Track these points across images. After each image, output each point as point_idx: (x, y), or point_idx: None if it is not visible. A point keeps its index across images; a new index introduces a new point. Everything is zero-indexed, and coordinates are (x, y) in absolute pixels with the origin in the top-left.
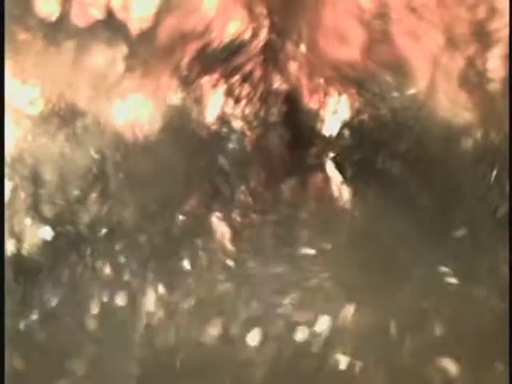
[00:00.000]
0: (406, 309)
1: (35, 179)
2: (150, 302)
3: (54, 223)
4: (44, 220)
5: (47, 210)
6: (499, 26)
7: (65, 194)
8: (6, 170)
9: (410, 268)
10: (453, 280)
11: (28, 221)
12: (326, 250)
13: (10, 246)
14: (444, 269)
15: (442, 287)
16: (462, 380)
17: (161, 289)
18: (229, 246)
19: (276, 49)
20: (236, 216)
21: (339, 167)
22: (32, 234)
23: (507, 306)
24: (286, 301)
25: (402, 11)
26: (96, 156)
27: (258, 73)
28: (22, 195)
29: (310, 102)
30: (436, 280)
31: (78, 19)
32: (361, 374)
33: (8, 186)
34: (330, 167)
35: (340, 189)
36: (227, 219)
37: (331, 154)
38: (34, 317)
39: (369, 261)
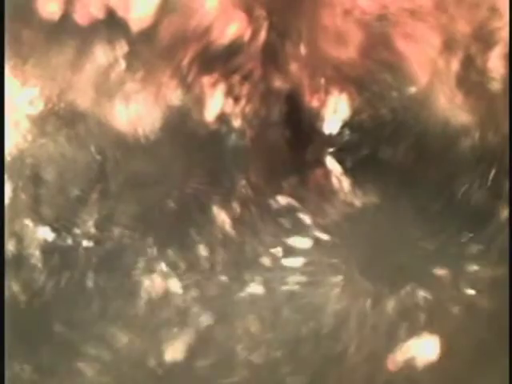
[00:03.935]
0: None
1: (35, 179)
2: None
3: (54, 224)
4: (45, 220)
5: (48, 211)
6: (499, 25)
7: (66, 195)
8: (6, 171)
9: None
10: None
11: (28, 221)
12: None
13: (10, 247)
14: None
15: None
16: None
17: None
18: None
19: (276, 49)
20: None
21: (339, 161)
22: (32, 235)
23: (508, 310)
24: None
25: (401, 12)
26: (97, 156)
27: (257, 72)
28: (22, 195)
29: (311, 101)
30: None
31: (80, 18)
32: None
33: (8, 186)
34: (330, 161)
35: (340, 180)
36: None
37: (330, 149)
38: None
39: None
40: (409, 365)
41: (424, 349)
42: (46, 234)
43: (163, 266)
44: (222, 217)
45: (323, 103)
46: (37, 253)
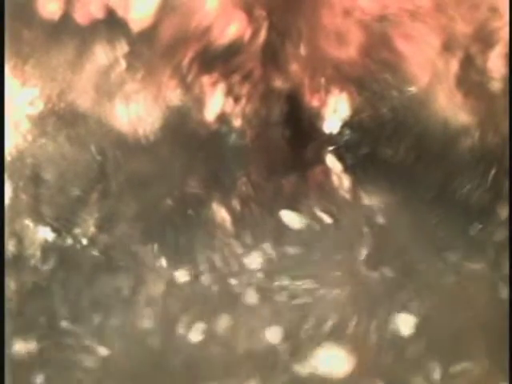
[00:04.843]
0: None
1: (36, 179)
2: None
3: (55, 223)
4: (45, 221)
5: (48, 211)
6: (499, 25)
7: (66, 195)
8: (6, 171)
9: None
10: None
11: (29, 221)
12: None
13: (10, 247)
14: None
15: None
16: None
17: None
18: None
19: (276, 49)
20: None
21: (339, 159)
22: (33, 235)
23: (508, 310)
24: None
25: (401, 12)
26: (97, 156)
27: (257, 72)
28: (23, 196)
29: (312, 101)
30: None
31: (80, 18)
32: None
33: (8, 186)
34: (330, 159)
35: (340, 178)
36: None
37: (330, 148)
38: None
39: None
40: None
41: None
42: (46, 234)
43: (164, 264)
44: (222, 217)
45: (323, 103)
46: (37, 253)
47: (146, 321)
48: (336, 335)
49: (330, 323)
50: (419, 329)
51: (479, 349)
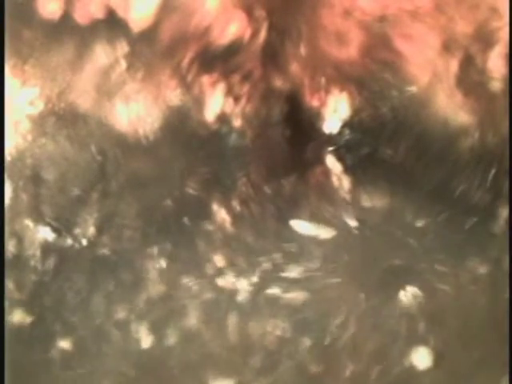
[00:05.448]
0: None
1: (36, 179)
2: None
3: (55, 223)
4: (45, 221)
5: (48, 211)
6: (499, 25)
7: (66, 195)
8: (6, 171)
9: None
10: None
11: (29, 221)
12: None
13: (10, 247)
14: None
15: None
16: None
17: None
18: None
19: (276, 49)
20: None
21: (339, 159)
22: (33, 235)
23: (507, 316)
24: None
25: (401, 13)
26: (97, 156)
27: (257, 72)
28: (23, 195)
29: (312, 101)
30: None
31: (80, 18)
32: None
33: (8, 186)
34: (330, 159)
35: (340, 179)
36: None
37: (330, 148)
38: None
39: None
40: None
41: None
42: (46, 234)
43: (163, 265)
44: (222, 218)
45: (323, 103)
46: (37, 253)
47: (146, 322)
48: None
49: None
50: None
51: None
